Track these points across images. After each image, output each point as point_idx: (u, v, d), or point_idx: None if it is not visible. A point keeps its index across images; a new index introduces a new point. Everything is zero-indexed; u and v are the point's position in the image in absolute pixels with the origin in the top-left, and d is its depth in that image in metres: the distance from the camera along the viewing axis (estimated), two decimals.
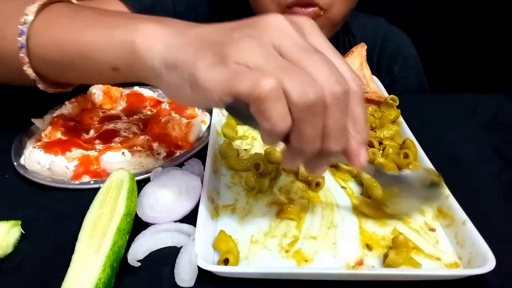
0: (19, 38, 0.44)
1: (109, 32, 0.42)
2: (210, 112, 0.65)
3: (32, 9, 0.44)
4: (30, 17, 0.44)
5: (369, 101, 0.67)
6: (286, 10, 0.71)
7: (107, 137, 0.59)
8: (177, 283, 0.39)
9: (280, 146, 0.38)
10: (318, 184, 0.51)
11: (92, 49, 0.43)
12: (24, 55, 0.45)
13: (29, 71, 0.47)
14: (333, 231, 0.46)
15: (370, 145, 0.57)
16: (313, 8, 0.71)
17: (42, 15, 0.45)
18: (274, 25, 0.35)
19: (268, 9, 0.73)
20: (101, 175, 0.54)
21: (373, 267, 0.42)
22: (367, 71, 0.71)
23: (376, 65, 0.94)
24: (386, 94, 0.69)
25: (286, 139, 0.35)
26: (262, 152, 0.57)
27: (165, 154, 0.58)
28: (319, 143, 0.34)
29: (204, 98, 0.35)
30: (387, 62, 0.95)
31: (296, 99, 0.31)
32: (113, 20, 0.44)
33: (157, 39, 0.39)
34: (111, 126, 0.61)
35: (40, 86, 0.51)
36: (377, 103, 0.66)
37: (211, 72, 0.34)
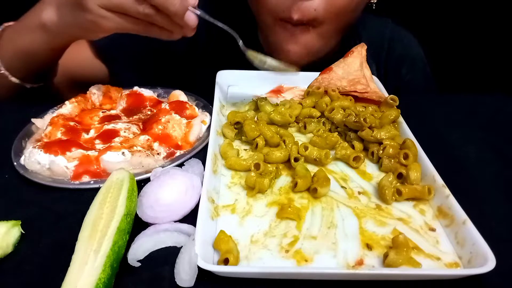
0: None
1: (30, 31, 0.65)
2: (210, 112, 0.65)
3: None
4: None
5: (369, 101, 0.67)
6: (278, 21, 0.75)
7: (107, 137, 0.59)
8: (177, 283, 0.39)
9: None
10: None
11: (29, 46, 0.66)
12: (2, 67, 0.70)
13: (6, 73, 0.70)
14: (333, 231, 0.46)
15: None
16: (303, 26, 0.74)
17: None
18: None
19: (263, 17, 0.77)
20: (101, 175, 0.54)
21: (373, 267, 0.42)
22: (367, 71, 0.71)
23: (383, 67, 0.92)
24: (386, 94, 0.69)
25: None
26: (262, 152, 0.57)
27: (165, 154, 0.58)
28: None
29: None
30: (395, 64, 0.93)
31: None
32: (27, 21, 0.67)
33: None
34: (111, 126, 0.61)
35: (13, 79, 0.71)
36: (377, 103, 0.66)
37: None
